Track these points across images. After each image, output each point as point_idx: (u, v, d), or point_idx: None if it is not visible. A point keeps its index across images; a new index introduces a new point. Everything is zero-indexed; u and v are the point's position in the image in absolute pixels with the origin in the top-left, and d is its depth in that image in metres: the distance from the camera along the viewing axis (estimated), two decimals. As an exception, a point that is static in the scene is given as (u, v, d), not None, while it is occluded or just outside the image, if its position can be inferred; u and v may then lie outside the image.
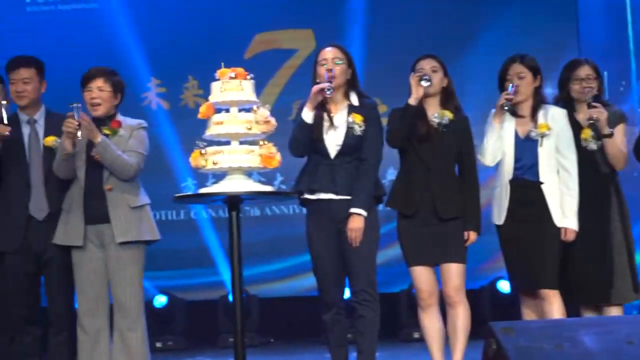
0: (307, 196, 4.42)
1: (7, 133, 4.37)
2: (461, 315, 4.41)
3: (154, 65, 8.04)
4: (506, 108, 4.41)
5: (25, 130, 4.61)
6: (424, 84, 4.32)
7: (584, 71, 4.58)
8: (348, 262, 4.39)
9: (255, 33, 8.05)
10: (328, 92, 4.26)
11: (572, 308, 4.60)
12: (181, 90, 8.10)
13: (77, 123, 4.19)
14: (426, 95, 4.40)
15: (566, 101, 4.66)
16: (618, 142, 4.54)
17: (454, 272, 4.40)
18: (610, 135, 4.44)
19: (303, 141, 4.39)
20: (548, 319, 4.23)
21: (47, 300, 4.65)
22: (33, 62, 4.66)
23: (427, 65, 4.43)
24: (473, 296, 4.65)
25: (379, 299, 4.39)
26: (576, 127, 4.52)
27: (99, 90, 4.37)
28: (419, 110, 4.40)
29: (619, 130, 4.58)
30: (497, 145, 4.50)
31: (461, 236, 4.40)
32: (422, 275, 4.44)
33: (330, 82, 4.27)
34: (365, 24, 7.96)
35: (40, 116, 4.67)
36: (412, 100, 4.38)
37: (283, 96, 7.73)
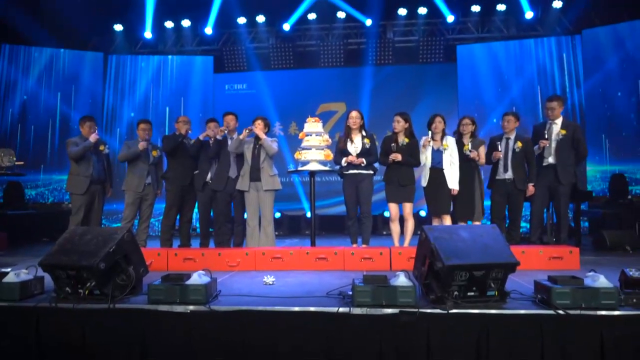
0: (344, 172, 4.65)
1: (219, 135, 4.80)
2: (410, 224, 4.56)
3: (278, 116, 8.72)
4: (429, 143, 4.56)
5: (229, 141, 4.88)
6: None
7: (464, 121, 4.73)
8: (360, 200, 4.57)
9: (320, 103, 8.68)
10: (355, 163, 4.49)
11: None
12: (289, 127, 8.76)
13: (248, 131, 4.57)
14: (395, 132, 4.52)
15: (459, 133, 4.75)
16: (481, 153, 4.71)
17: (408, 206, 4.58)
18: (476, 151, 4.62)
19: (337, 159, 4.65)
20: (446, 225, 4.37)
21: (234, 212, 4.95)
22: (233, 112, 5.04)
23: (399, 118, 4.51)
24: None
25: (371, 217, 4.62)
26: (460, 144, 4.65)
27: (259, 125, 4.72)
28: (393, 139, 4.54)
29: (481, 148, 4.73)
30: (424, 154, 4.60)
31: (412, 191, 4.55)
32: (393, 207, 4.61)
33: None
34: (371, 98, 8.33)
35: (234, 134, 4.92)
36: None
37: (332, 130, 8.29)
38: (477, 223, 4.63)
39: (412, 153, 4.57)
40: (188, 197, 5.13)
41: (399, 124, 4.60)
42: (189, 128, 5.12)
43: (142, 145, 5.01)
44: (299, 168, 4.63)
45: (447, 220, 4.51)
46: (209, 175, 5.01)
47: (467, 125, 4.74)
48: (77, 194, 4.99)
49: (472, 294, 2.46)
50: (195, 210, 5.23)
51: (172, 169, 5.10)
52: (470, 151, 4.60)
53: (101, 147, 5.08)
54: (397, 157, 4.49)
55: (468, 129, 4.74)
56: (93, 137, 4.93)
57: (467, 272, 2.42)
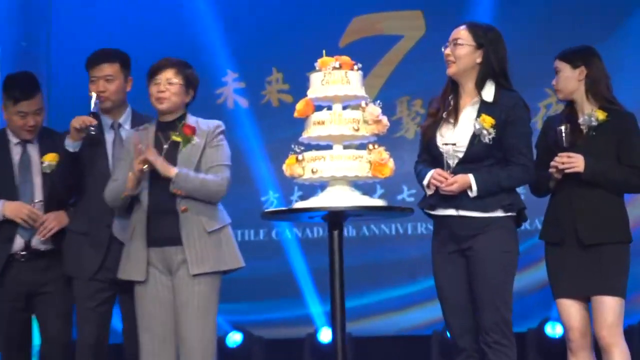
0: (431, 212, 4.45)
1: (92, 125, 4.50)
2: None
3: (232, 56, 8.33)
4: None
5: (109, 136, 4.79)
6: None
7: None
8: (477, 292, 4.39)
9: (352, 16, 8.25)
10: None
11: None
12: (263, 86, 8.41)
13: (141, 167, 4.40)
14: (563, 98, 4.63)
15: None
16: None
17: (609, 305, 4.46)
18: None
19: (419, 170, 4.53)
20: None
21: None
22: (117, 56, 4.81)
23: (567, 65, 4.53)
24: (626, 335, 4.64)
25: (513, 339, 4.31)
26: None
27: (168, 84, 4.51)
28: (562, 117, 4.60)
29: None
30: None
31: (618, 262, 4.46)
32: (571, 308, 4.57)
33: None
34: (490, 3, 8.12)
35: (125, 119, 4.86)
36: None
37: (385, 91, 7.89)
38: None
39: (626, 150, 4.65)
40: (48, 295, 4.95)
41: (568, 76, 4.65)
42: None
43: None
44: (296, 205, 4.56)
45: None
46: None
47: None
48: None
49: None
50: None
51: None
52: None
53: None
54: (573, 164, 4.49)
55: None
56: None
57: None
